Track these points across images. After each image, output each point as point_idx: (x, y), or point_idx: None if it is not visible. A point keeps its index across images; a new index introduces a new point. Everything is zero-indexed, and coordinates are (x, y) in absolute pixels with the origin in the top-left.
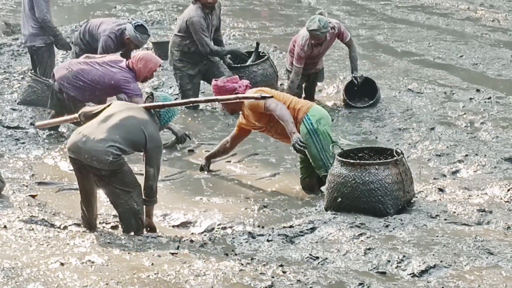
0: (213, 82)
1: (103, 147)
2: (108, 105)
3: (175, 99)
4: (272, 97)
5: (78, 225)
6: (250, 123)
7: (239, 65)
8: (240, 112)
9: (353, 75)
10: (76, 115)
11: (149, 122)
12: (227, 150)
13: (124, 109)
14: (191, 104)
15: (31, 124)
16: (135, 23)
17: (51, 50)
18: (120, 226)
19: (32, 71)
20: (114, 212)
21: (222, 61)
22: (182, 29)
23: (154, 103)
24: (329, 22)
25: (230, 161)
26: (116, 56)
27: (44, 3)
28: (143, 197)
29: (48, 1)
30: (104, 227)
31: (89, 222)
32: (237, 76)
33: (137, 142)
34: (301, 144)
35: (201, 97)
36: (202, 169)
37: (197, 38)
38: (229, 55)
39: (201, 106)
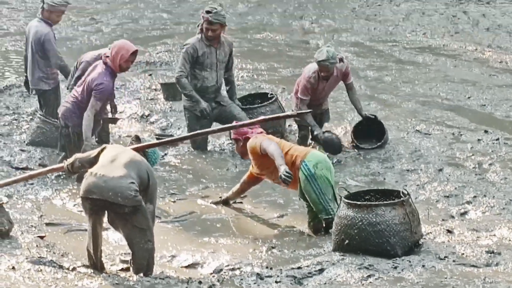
0: (233, 123)
1: (125, 183)
2: (102, 149)
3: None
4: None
5: (87, 266)
6: (254, 168)
7: (247, 106)
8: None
9: (364, 114)
10: (62, 164)
11: (146, 161)
12: (238, 194)
13: (124, 151)
14: (179, 142)
15: (40, 165)
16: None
17: (57, 92)
18: (131, 266)
19: (40, 111)
20: (123, 252)
21: (233, 103)
22: None
23: (146, 143)
24: (337, 54)
25: (237, 202)
26: (97, 61)
27: (53, 46)
28: None
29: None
30: (111, 268)
31: (97, 264)
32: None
33: (143, 181)
34: (287, 174)
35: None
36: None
37: (179, 62)
38: (237, 99)
39: (209, 147)
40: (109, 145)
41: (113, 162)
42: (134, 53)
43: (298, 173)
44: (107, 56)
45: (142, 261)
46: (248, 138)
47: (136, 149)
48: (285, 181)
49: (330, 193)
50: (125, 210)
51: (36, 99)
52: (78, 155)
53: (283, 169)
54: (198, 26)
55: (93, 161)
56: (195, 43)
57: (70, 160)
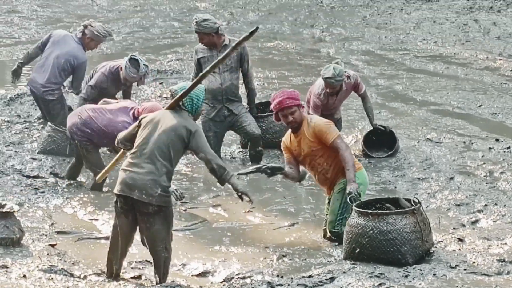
0: (289, 90)
1: (151, 179)
2: (139, 124)
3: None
4: (256, 29)
5: (98, 274)
6: (303, 148)
7: (258, 114)
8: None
9: (374, 124)
10: (121, 151)
11: (179, 122)
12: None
13: (154, 127)
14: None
15: (51, 173)
16: (132, 55)
17: (62, 102)
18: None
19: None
20: (134, 260)
21: (247, 113)
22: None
23: (175, 98)
24: (345, 71)
25: (248, 211)
26: (129, 103)
27: (83, 76)
28: (218, 181)
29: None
30: (122, 275)
31: (115, 271)
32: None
33: (178, 149)
34: (357, 195)
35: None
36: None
37: None
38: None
39: (222, 154)
40: (145, 118)
41: (140, 153)
42: None
43: (340, 179)
44: (135, 111)
45: (158, 269)
46: (303, 107)
47: (172, 106)
48: (350, 200)
49: (350, 213)
50: (149, 209)
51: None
52: (120, 136)
53: (355, 188)
54: None
55: (132, 139)
56: (197, 46)
57: (116, 141)
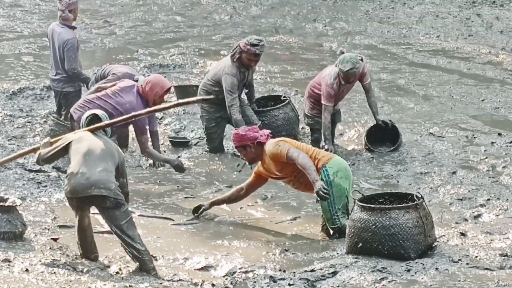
0: (234, 131)
1: (105, 175)
2: (66, 143)
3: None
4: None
5: (101, 268)
6: (271, 172)
7: (260, 109)
8: (260, 162)
9: (378, 119)
10: (35, 146)
11: (112, 146)
12: (240, 197)
13: (91, 138)
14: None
15: (53, 167)
16: (148, 76)
17: (80, 95)
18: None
19: (55, 114)
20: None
21: (248, 105)
22: (216, 79)
23: (102, 123)
24: (357, 56)
25: (251, 205)
26: (128, 82)
27: (73, 54)
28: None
29: (77, 49)
30: (112, 267)
31: (89, 254)
32: (258, 124)
33: (116, 163)
34: (324, 191)
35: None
36: (197, 209)
37: (226, 94)
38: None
39: (225, 149)
40: (71, 136)
41: (88, 156)
42: (169, 89)
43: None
44: (138, 87)
45: (135, 260)
46: (260, 142)
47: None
48: (322, 198)
49: (342, 203)
50: (107, 203)
51: (51, 101)
52: (42, 153)
53: (319, 185)
54: (233, 53)
55: (58, 157)
56: (234, 73)
57: (35, 156)
